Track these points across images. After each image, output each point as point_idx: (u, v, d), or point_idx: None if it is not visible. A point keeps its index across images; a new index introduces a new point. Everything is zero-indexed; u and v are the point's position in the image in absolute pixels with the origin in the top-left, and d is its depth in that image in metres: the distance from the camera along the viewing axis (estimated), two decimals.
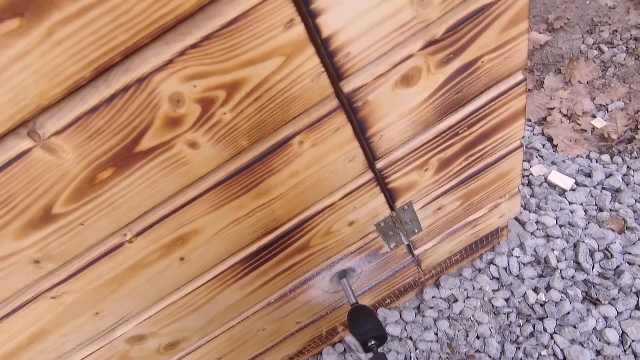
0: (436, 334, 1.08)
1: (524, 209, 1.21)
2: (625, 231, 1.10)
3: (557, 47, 1.59)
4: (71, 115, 0.38)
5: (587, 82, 1.46)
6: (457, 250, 1.02)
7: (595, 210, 1.16)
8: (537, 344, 1.00)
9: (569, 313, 1.01)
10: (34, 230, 0.44)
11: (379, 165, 0.61)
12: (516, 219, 1.18)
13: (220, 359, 0.85)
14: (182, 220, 0.52)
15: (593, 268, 1.06)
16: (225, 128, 0.45)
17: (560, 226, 1.14)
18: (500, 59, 0.55)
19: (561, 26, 1.63)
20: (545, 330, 1.01)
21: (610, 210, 1.15)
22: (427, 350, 1.07)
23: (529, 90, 1.52)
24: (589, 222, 1.14)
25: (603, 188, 1.20)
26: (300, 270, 0.73)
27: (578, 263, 1.07)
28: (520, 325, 1.04)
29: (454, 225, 0.88)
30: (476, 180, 0.75)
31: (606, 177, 1.21)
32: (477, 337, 1.06)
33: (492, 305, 1.08)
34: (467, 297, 1.11)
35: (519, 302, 1.06)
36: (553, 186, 1.25)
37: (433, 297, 1.13)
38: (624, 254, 1.06)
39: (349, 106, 0.50)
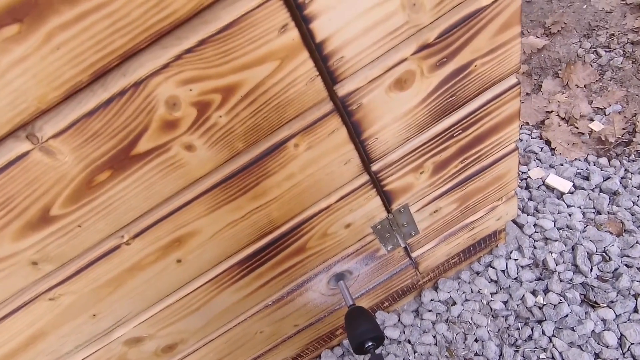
0: (434, 337, 1.08)
1: (522, 211, 1.21)
2: (623, 234, 1.10)
3: (555, 51, 1.60)
4: (69, 118, 0.38)
5: (585, 86, 1.47)
6: (455, 253, 1.02)
7: (593, 213, 1.16)
8: (536, 347, 1.00)
9: (567, 316, 1.01)
10: (32, 231, 0.45)
11: (375, 167, 0.61)
12: (514, 221, 1.19)
13: None
14: (179, 222, 0.53)
15: (591, 271, 1.06)
16: (221, 131, 0.46)
17: (559, 229, 1.14)
18: (494, 63, 0.56)
19: (558, 30, 1.64)
20: (543, 333, 1.01)
21: (608, 213, 1.15)
22: (425, 353, 1.06)
23: (527, 94, 1.53)
24: (587, 225, 1.14)
25: (601, 191, 1.20)
26: (297, 273, 0.73)
27: (576, 266, 1.07)
28: (518, 329, 1.04)
29: (451, 228, 0.88)
30: (472, 183, 0.76)
31: (604, 180, 1.21)
32: (476, 340, 1.06)
33: (491, 308, 1.08)
34: (466, 300, 1.11)
35: (517, 305, 1.06)
36: (551, 189, 1.25)
37: (431, 300, 1.13)
38: (622, 257, 1.06)
39: (344, 109, 0.51)
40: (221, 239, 0.58)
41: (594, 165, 1.27)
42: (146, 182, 0.46)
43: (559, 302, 1.03)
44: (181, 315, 0.67)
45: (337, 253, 0.74)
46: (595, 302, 1.01)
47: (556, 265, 1.08)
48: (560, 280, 1.06)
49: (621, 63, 1.45)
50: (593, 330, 0.98)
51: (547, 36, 1.66)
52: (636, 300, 0.99)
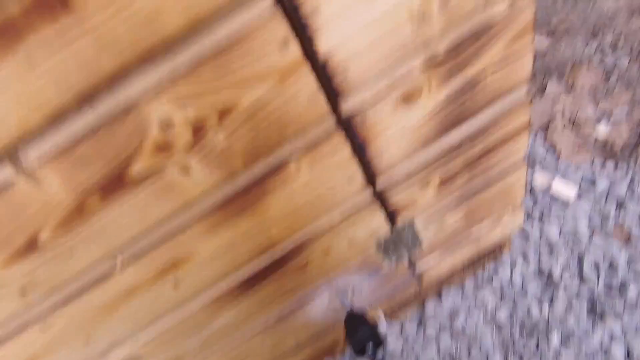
0: (438, 348, 1.06)
1: (527, 218, 1.19)
2: (631, 240, 1.08)
3: (559, 53, 1.57)
4: (55, 142, 0.36)
5: (590, 88, 1.45)
6: (459, 264, 1.00)
7: (600, 219, 1.14)
8: (542, 359, 0.98)
9: (573, 326, 0.99)
10: (20, 259, 0.43)
11: (379, 182, 0.59)
12: (519, 229, 1.16)
13: None
14: (174, 243, 0.50)
15: (598, 280, 1.04)
16: (218, 150, 0.43)
17: (564, 236, 1.12)
18: (504, 74, 0.53)
19: (563, 31, 1.61)
20: (549, 344, 0.99)
21: (614, 219, 1.13)
22: None
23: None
24: (593, 232, 1.12)
25: (607, 196, 1.18)
26: (298, 290, 0.71)
27: (582, 275, 1.05)
28: (524, 339, 1.02)
29: (456, 240, 0.86)
30: (479, 195, 0.73)
31: (610, 185, 1.19)
32: (480, 352, 1.04)
33: (495, 319, 1.06)
34: (470, 310, 1.09)
35: (522, 316, 1.04)
36: (556, 195, 1.23)
37: (435, 310, 1.11)
38: (629, 264, 1.03)
39: (347, 125, 0.48)
40: (218, 259, 0.56)
41: (601, 168, 1.24)
42: (140, 205, 0.44)
43: (565, 313, 1.01)
44: (178, 336, 0.64)
45: (339, 269, 0.72)
46: (602, 312, 0.99)
47: (562, 274, 1.06)
48: (566, 290, 1.04)
49: (628, 65, 1.43)
50: (600, 341, 0.96)
51: (551, 37, 1.63)
52: None
